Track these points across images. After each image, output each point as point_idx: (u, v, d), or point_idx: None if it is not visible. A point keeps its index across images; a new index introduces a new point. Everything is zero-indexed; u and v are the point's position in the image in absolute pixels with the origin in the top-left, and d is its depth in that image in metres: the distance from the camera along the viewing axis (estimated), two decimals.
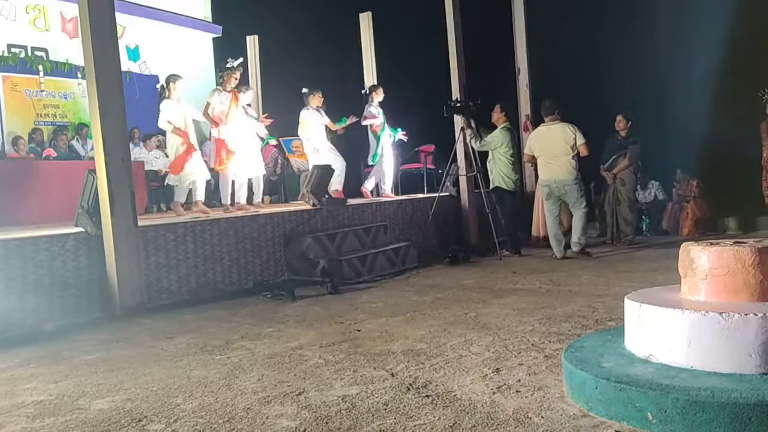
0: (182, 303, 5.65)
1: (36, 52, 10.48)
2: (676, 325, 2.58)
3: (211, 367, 3.61)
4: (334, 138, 8.94)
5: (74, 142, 9.96)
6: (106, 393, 3.22)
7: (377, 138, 8.87)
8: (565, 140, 7.25)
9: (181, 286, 5.78)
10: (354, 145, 9.54)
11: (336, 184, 8.33)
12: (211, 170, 7.93)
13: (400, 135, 9.28)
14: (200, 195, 7.30)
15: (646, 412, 2.33)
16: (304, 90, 8.46)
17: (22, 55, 10.30)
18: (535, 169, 9.45)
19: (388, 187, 9.16)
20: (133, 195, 5.34)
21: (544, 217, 8.45)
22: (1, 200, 7.55)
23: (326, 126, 8.55)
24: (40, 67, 10.35)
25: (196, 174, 7.18)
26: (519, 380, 3.04)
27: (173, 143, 7.12)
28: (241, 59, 7.76)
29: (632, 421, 2.36)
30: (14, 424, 2.85)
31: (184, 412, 2.87)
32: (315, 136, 8.41)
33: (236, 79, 7.53)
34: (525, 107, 10.11)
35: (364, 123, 8.81)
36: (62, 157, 9.15)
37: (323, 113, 8.49)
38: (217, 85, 7.59)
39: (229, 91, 7.46)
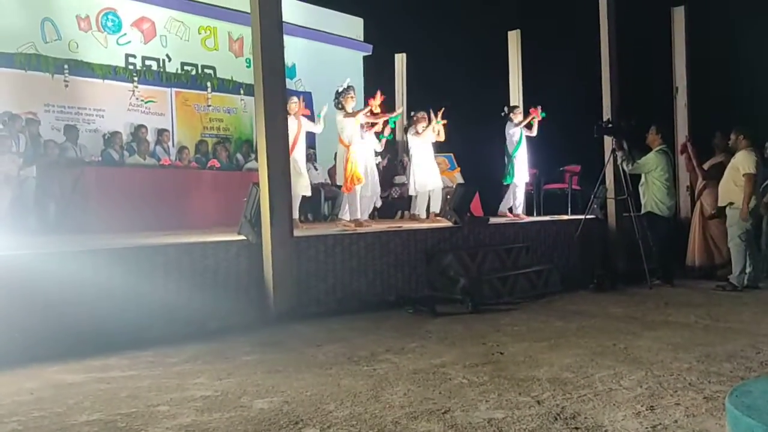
0: (329, 311, 5.90)
1: (205, 70, 11.40)
2: None
3: (359, 378, 3.75)
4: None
5: (238, 154, 10.73)
6: (265, 394, 3.45)
7: (510, 157, 8.85)
8: None
9: (328, 295, 6.04)
10: (492, 165, 9.50)
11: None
12: (338, 187, 8.30)
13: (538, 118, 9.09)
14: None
15: None
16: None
17: (194, 72, 11.25)
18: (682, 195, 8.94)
19: (519, 207, 9.09)
20: (290, 207, 5.68)
21: (700, 244, 7.96)
22: (170, 206, 8.29)
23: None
24: (208, 84, 11.28)
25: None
26: (676, 421, 2.90)
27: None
28: (348, 79, 8.01)
29: None
30: (185, 416, 3.13)
31: (336, 419, 3.02)
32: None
33: (353, 98, 7.74)
34: (683, 128, 9.55)
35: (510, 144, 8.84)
36: (224, 168, 9.88)
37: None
38: (336, 107, 7.81)
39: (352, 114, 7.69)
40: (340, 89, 7.81)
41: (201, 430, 2.92)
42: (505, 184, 9.10)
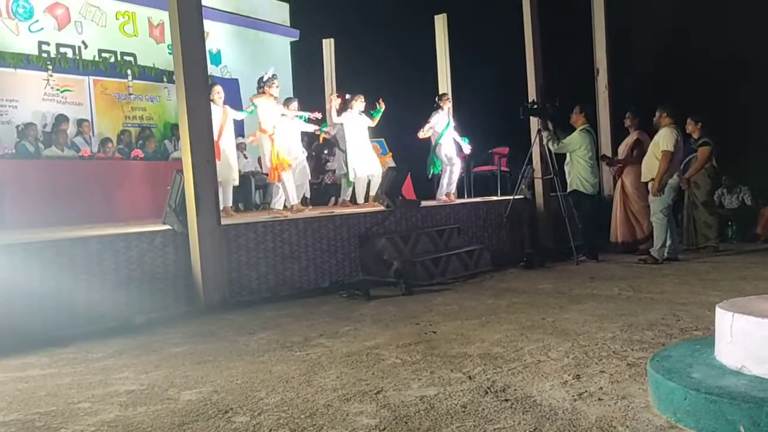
0: (262, 300, 5.81)
1: (125, 57, 10.97)
2: None
3: (292, 363, 3.70)
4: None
5: (167, 142, 10.39)
6: (194, 384, 3.36)
7: (434, 147, 8.92)
8: None
9: (260, 284, 5.95)
10: (423, 150, 9.53)
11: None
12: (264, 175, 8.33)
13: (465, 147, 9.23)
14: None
15: (738, 426, 2.25)
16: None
17: (112, 59, 10.81)
18: (605, 173, 9.22)
19: (453, 186, 9.16)
20: (216, 195, 5.54)
21: (622, 221, 8.24)
22: (92, 198, 7.97)
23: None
24: (129, 72, 10.86)
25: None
26: (601, 388, 2.98)
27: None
28: (273, 68, 8.04)
29: None
30: (108, 411, 3.00)
31: (267, 406, 2.96)
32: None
33: (277, 87, 7.77)
34: (604, 109, 9.84)
35: (421, 135, 8.88)
36: (149, 158, 9.55)
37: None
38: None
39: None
40: (265, 78, 7.72)
41: (125, 425, 2.81)
42: (431, 176, 9.14)
